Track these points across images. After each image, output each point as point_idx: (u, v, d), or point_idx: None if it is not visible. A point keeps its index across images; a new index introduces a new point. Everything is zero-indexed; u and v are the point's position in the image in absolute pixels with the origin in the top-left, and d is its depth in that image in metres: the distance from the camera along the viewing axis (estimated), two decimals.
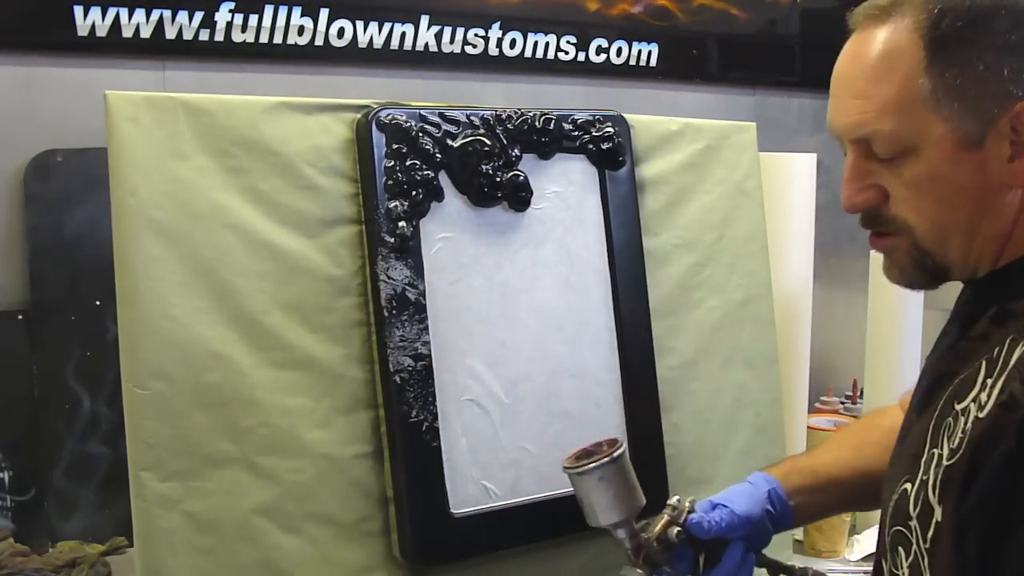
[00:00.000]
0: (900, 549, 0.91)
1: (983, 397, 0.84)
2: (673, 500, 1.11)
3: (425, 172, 1.30)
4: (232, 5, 1.72)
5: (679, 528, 1.09)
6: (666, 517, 1.10)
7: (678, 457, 1.49)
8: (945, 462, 0.85)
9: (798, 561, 1.66)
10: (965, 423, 0.84)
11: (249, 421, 1.19)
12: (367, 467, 1.26)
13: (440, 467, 1.27)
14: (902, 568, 0.91)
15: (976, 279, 0.95)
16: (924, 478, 0.88)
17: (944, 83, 0.87)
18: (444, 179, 1.32)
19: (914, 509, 0.88)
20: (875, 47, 0.90)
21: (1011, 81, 0.87)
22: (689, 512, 1.11)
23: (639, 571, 1.08)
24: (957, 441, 0.84)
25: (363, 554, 1.25)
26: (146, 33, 1.66)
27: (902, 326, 1.82)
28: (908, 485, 0.90)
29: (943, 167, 0.89)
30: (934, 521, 0.85)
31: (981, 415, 0.83)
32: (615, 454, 1.08)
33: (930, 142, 0.89)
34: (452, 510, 1.28)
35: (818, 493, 1.19)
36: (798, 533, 1.72)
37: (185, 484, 1.15)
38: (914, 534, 0.88)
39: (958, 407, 0.86)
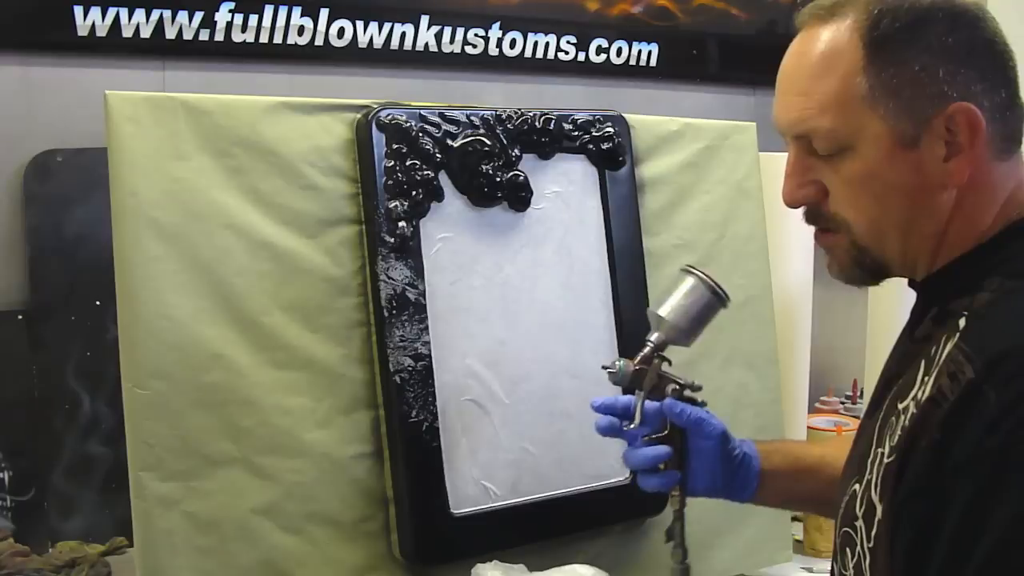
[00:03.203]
0: (847, 550, 0.92)
1: (920, 395, 0.86)
2: (692, 380, 1.16)
3: (425, 172, 1.30)
4: (232, 5, 1.72)
5: (676, 388, 1.15)
6: (678, 375, 1.15)
7: None
8: (885, 460, 0.87)
9: (799, 562, 1.67)
10: (904, 420, 0.86)
11: (249, 421, 1.19)
12: (367, 467, 1.26)
13: (440, 467, 1.27)
14: (848, 570, 0.92)
15: (917, 281, 0.97)
16: (869, 478, 0.89)
17: (881, 82, 0.89)
18: (444, 179, 1.32)
19: (860, 508, 0.90)
20: (818, 46, 0.93)
21: (946, 83, 0.88)
22: (690, 396, 1.16)
23: (623, 367, 1.15)
24: (896, 439, 0.86)
25: (363, 554, 1.25)
26: (146, 33, 1.66)
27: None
28: (857, 486, 0.92)
29: (879, 165, 0.91)
30: (876, 520, 0.87)
31: (916, 411, 0.85)
32: (723, 294, 1.15)
33: (867, 140, 0.91)
34: (452, 510, 1.28)
35: (790, 479, 1.20)
36: (798, 532, 1.72)
37: (185, 484, 1.15)
38: (859, 534, 0.89)
39: (900, 407, 0.88)
